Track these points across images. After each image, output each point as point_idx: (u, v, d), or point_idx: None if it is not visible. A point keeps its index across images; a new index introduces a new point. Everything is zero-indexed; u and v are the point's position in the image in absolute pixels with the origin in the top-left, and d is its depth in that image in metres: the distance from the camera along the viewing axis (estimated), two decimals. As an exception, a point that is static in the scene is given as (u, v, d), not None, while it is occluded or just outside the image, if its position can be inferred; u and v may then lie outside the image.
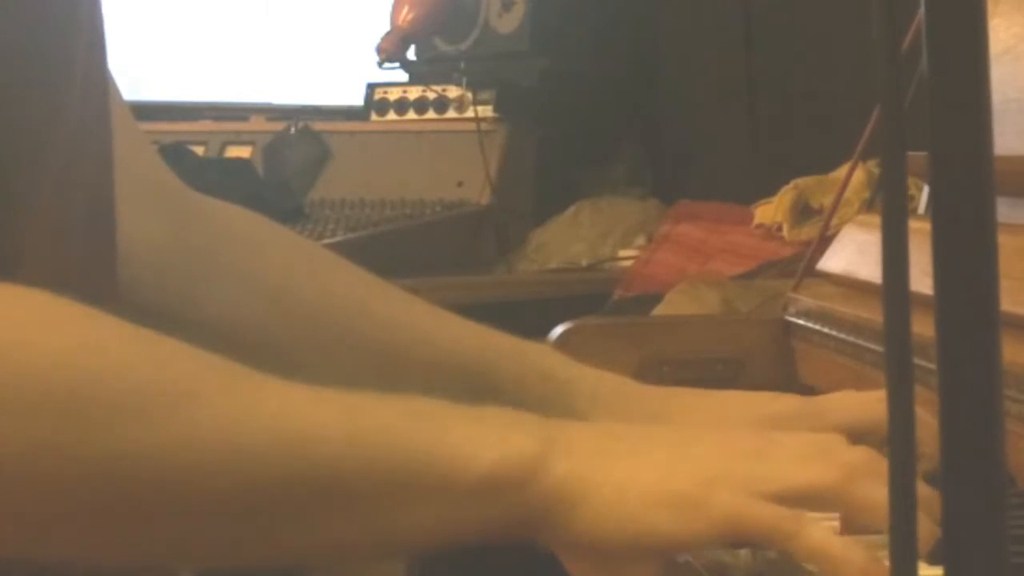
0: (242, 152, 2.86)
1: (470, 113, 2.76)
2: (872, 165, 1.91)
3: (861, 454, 0.81)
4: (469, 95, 2.78)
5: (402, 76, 2.97)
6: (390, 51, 2.86)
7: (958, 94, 0.36)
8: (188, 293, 1.00)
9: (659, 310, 1.86)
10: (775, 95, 2.65)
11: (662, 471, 0.76)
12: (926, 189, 1.32)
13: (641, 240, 2.58)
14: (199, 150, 2.84)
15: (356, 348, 1.02)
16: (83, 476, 0.68)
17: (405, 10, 2.87)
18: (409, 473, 0.73)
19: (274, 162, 2.81)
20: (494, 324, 1.06)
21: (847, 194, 1.67)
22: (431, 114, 2.84)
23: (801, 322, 1.40)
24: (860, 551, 0.76)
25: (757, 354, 1.41)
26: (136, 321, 0.86)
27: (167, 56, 3.09)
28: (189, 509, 0.71)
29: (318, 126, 2.87)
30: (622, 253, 2.58)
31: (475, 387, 1.02)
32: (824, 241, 1.50)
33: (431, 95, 2.85)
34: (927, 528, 0.63)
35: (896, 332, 0.36)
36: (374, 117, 2.90)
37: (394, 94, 2.90)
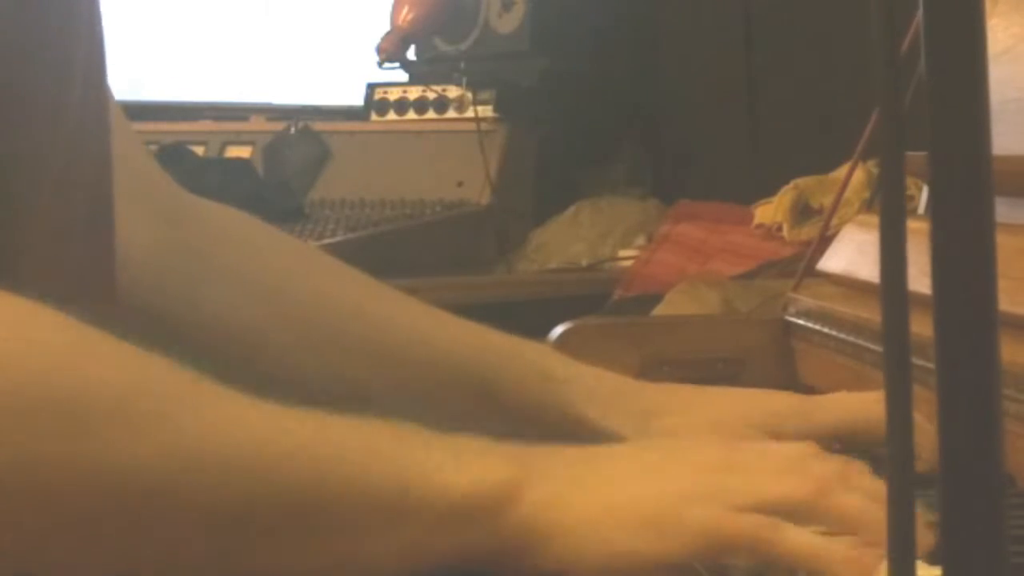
0: (242, 152, 2.86)
1: (470, 113, 2.76)
2: (872, 165, 1.91)
3: (834, 465, 0.81)
4: (469, 95, 2.78)
5: (402, 76, 2.97)
6: (390, 51, 2.86)
7: (957, 94, 0.36)
8: (185, 295, 1.00)
9: (659, 310, 1.86)
10: (775, 95, 2.65)
11: (636, 492, 0.76)
12: (926, 189, 1.32)
13: (641, 240, 2.58)
14: (199, 150, 2.84)
15: (351, 349, 1.02)
16: (67, 485, 0.68)
17: (405, 10, 2.88)
18: (384, 496, 0.73)
19: (274, 162, 2.81)
20: (494, 324, 1.05)
21: (847, 194, 1.67)
22: (431, 114, 2.84)
23: (801, 322, 1.40)
24: (841, 544, 0.76)
25: (757, 354, 1.41)
26: (134, 324, 0.86)
27: (167, 56, 3.09)
28: (170, 522, 0.70)
29: (318, 126, 2.87)
30: (622, 253, 2.58)
31: (473, 387, 1.02)
32: (824, 241, 1.50)
33: (431, 95, 2.85)
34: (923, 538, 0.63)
35: (895, 332, 0.36)
36: (374, 117, 2.90)
37: (394, 94, 2.90)
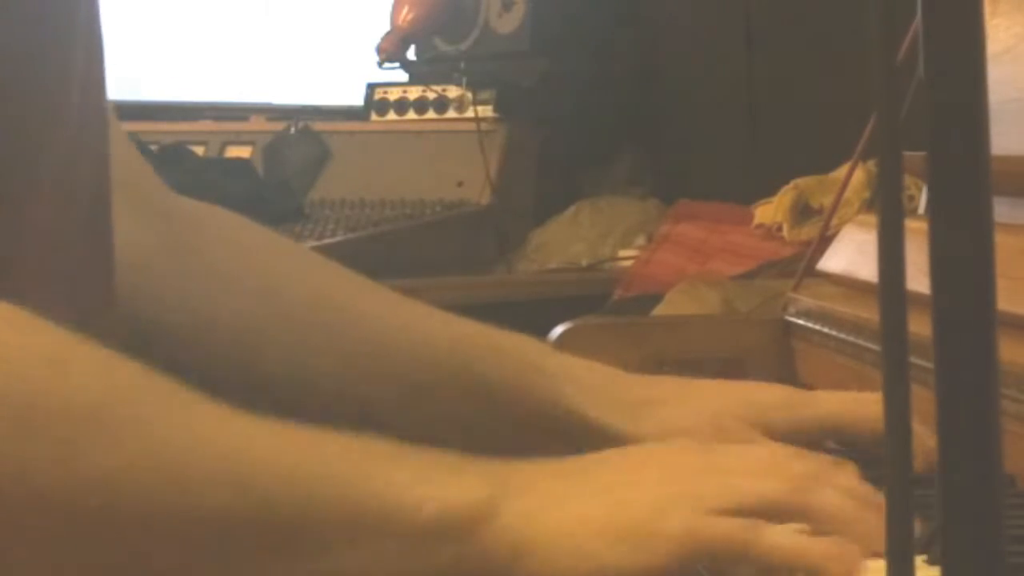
0: (242, 152, 2.86)
1: (470, 113, 2.76)
2: (872, 165, 1.91)
3: (811, 463, 0.81)
4: (469, 95, 2.78)
5: (402, 76, 2.97)
6: (390, 51, 2.86)
7: (956, 94, 0.36)
8: (181, 297, 1.00)
9: (659, 310, 1.86)
10: (775, 95, 2.65)
11: (611, 503, 0.76)
12: (926, 189, 1.31)
13: (641, 240, 2.58)
14: (199, 150, 2.83)
15: (350, 349, 1.02)
16: (40, 493, 0.68)
17: (405, 10, 2.88)
18: (358, 513, 0.72)
19: (274, 162, 2.81)
20: (494, 324, 1.05)
21: (847, 194, 1.67)
22: (431, 114, 2.84)
23: (801, 322, 1.40)
24: (821, 543, 0.76)
25: (757, 354, 1.41)
26: (124, 329, 0.86)
27: (167, 56, 3.09)
28: (145, 532, 0.70)
29: (318, 126, 2.87)
30: (622, 253, 2.58)
31: (465, 382, 1.01)
32: (824, 241, 1.50)
33: (431, 95, 2.85)
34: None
35: (893, 332, 0.36)
36: (374, 117, 2.90)
37: (394, 94, 2.90)
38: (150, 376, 0.72)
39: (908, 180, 1.62)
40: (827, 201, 2.04)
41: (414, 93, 2.87)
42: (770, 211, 2.25)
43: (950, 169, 0.36)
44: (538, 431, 1.02)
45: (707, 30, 2.80)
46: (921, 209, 1.46)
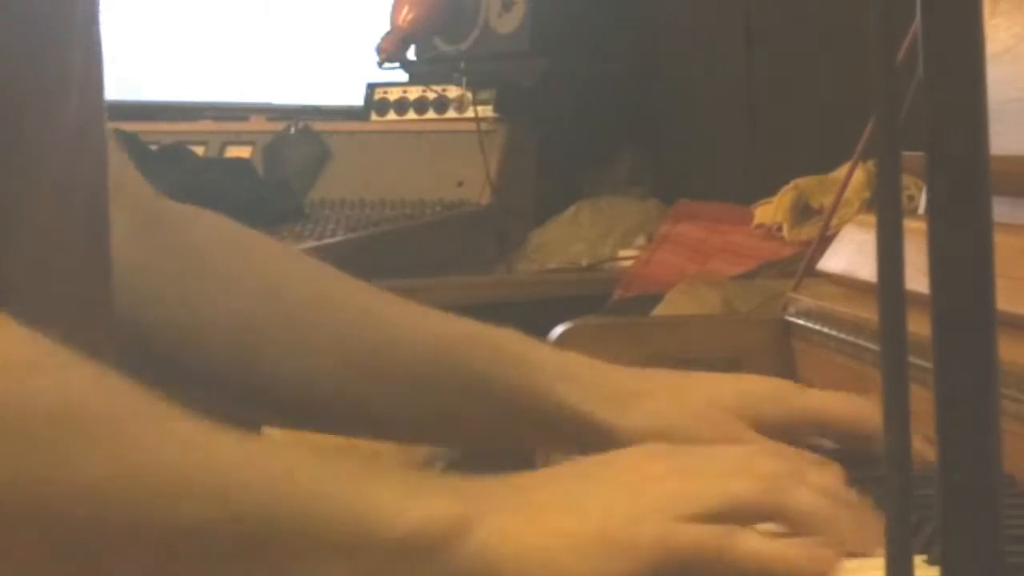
0: (242, 152, 2.86)
1: (470, 113, 2.76)
2: (872, 165, 1.91)
3: (784, 462, 0.80)
4: (469, 95, 2.78)
5: (402, 76, 2.97)
6: (390, 51, 2.86)
7: (955, 94, 0.36)
8: (179, 299, 0.99)
9: (659, 310, 1.86)
10: (775, 95, 2.65)
11: (584, 514, 0.75)
12: (926, 189, 1.31)
13: (641, 240, 2.59)
14: (199, 150, 2.84)
15: (349, 349, 1.02)
16: (10, 501, 0.67)
17: (405, 10, 2.88)
18: (330, 529, 0.72)
19: (274, 162, 2.81)
20: (494, 324, 1.06)
21: (847, 194, 1.67)
22: (431, 114, 2.84)
23: (801, 322, 1.40)
24: (795, 547, 0.75)
25: (757, 354, 1.41)
26: (128, 329, 0.86)
27: (167, 56, 3.10)
28: (103, 544, 0.70)
29: (318, 126, 2.87)
30: (622, 253, 2.58)
31: (453, 377, 1.01)
32: (824, 241, 1.50)
33: (431, 95, 2.85)
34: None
35: (892, 332, 0.36)
36: (374, 117, 2.90)
37: (394, 94, 2.90)
38: (128, 385, 0.72)
39: (908, 180, 1.62)
40: (827, 201, 2.04)
41: (414, 93, 2.87)
42: (770, 211, 2.25)
43: (949, 169, 0.36)
44: (533, 426, 1.02)
45: (707, 30, 2.80)
46: (921, 209, 1.46)
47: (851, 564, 0.78)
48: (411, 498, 0.74)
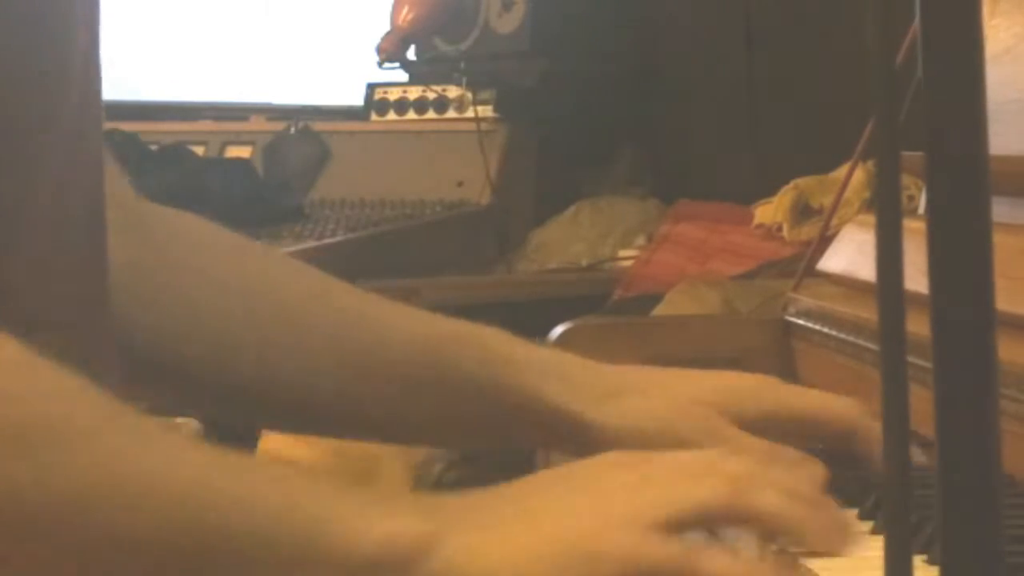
0: (242, 152, 2.86)
1: (470, 113, 2.76)
2: (872, 165, 1.91)
3: (748, 464, 0.80)
4: (469, 95, 2.78)
5: (402, 76, 2.97)
6: (390, 51, 2.86)
7: (954, 94, 0.36)
8: (157, 299, 0.99)
9: (659, 310, 1.86)
10: (775, 95, 2.65)
11: (551, 528, 0.75)
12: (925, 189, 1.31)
13: (641, 240, 2.59)
14: (199, 150, 2.84)
15: (328, 348, 1.01)
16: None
17: (405, 10, 2.88)
18: (296, 545, 0.72)
19: (274, 162, 2.81)
20: (494, 324, 1.06)
21: (847, 194, 1.67)
22: (431, 114, 2.84)
23: (801, 322, 1.40)
24: (764, 566, 0.75)
25: (757, 354, 1.41)
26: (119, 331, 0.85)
27: (167, 56, 3.10)
28: (83, 552, 0.70)
29: (318, 126, 2.87)
30: (622, 253, 2.58)
31: (436, 376, 1.01)
32: (824, 241, 1.50)
33: (431, 95, 2.85)
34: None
35: (891, 331, 0.36)
36: (374, 117, 2.90)
37: (394, 94, 2.90)
38: (93, 394, 0.72)
39: (908, 180, 1.62)
40: (827, 201, 2.04)
41: (414, 93, 2.87)
42: (770, 211, 2.25)
43: (949, 169, 0.36)
44: (522, 425, 1.02)
45: (707, 30, 2.79)
46: (921, 209, 1.46)
47: (849, 563, 0.78)
48: (376, 516, 0.73)
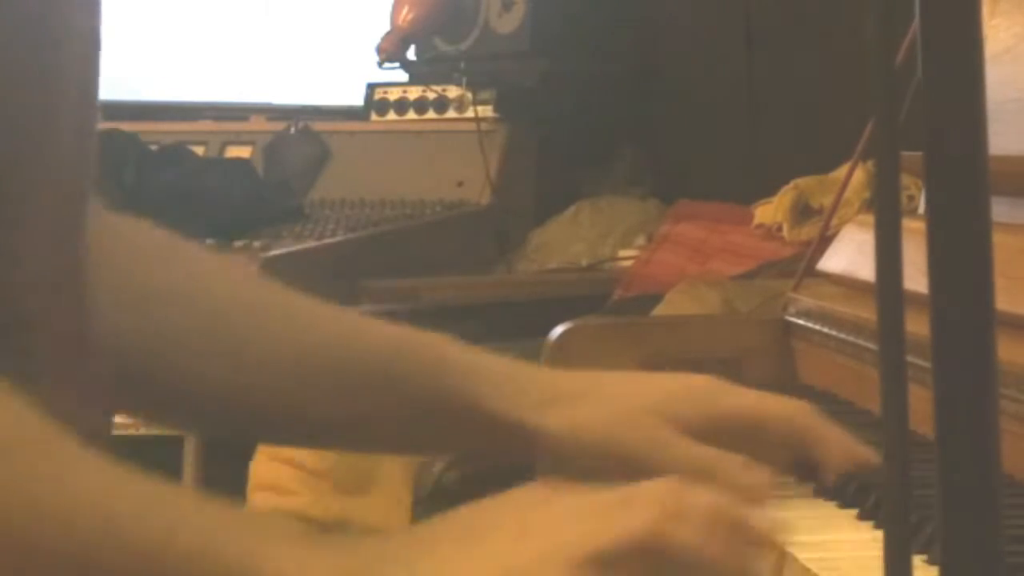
0: (242, 152, 2.86)
1: (470, 113, 2.76)
2: (872, 165, 1.91)
3: (669, 494, 0.78)
4: (469, 95, 2.78)
5: (402, 76, 2.97)
6: (390, 51, 2.86)
7: (953, 94, 0.36)
8: (132, 304, 0.98)
9: (659, 310, 1.86)
10: (775, 95, 2.65)
11: (481, 570, 0.74)
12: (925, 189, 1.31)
13: (641, 240, 2.59)
14: (199, 150, 2.84)
15: (261, 354, 1.00)
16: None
17: (405, 10, 2.88)
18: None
19: (274, 162, 2.81)
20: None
21: (847, 194, 1.67)
22: (431, 114, 2.84)
23: (801, 322, 1.40)
24: None
25: (757, 354, 1.41)
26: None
27: (167, 56, 3.10)
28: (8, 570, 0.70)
29: (318, 126, 2.87)
30: (622, 253, 2.58)
31: (377, 381, 1.00)
32: (824, 241, 1.50)
33: (431, 95, 2.85)
34: None
35: (890, 331, 0.36)
36: (374, 117, 2.91)
37: (394, 94, 2.90)
38: (18, 409, 0.72)
39: (908, 180, 1.63)
40: (827, 201, 2.04)
41: (414, 93, 2.87)
42: (770, 211, 2.25)
43: (948, 169, 0.36)
44: (460, 432, 1.01)
45: (707, 30, 2.80)
46: (921, 209, 1.46)
47: (849, 563, 0.78)
48: (299, 554, 0.73)
